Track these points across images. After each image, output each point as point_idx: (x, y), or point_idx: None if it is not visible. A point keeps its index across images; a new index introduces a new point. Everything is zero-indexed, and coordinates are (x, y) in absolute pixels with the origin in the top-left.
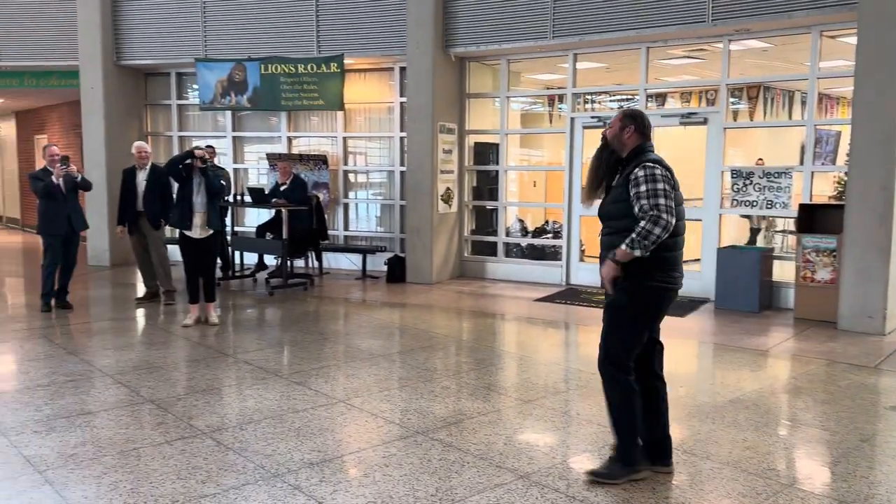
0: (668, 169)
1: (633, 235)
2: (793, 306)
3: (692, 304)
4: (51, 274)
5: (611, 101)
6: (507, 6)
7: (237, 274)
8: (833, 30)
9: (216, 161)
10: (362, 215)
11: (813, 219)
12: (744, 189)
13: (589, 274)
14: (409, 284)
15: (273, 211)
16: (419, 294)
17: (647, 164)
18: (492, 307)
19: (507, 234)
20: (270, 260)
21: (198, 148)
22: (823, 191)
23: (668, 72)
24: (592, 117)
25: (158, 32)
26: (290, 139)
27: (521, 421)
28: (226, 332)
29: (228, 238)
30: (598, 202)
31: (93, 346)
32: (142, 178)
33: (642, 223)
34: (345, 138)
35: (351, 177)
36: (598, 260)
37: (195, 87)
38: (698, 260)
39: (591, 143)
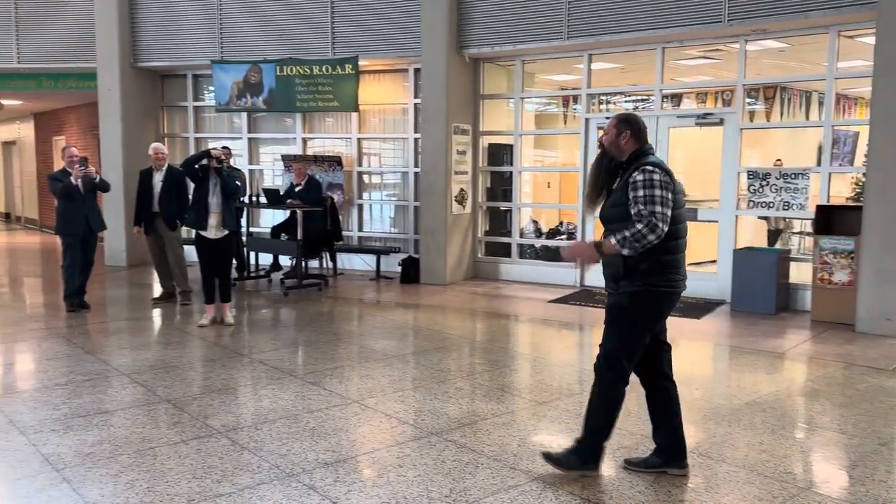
0: (667, 172)
1: (627, 234)
2: (810, 308)
3: (708, 306)
4: (72, 275)
5: (626, 101)
6: (522, 7)
7: (252, 274)
8: (851, 30)
9: (232, 162)
10: (376, 216)
11: (830, 220)
12: (760, 190)
13: None
14: (422, 285)
15: (288, 212)
16: (433, 295)
17: (646, 168)
18: (506, 308)
19: (521, 235)
20: (285, 260)
21: (214, 149)
22: (841, 192)
23: (684, 72)
24: (607, 118)
25: (175, 35)
26: (304, 140)
27: (536, 423)
28: (241, 332)
29: (244, 239)
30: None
31: (110, 345)
32: (158, 179)
33: (639, 226)
34: (359, 139)
35: (365, 178)
36: None
37: (211, 88)
38: (714, 261)
39: None
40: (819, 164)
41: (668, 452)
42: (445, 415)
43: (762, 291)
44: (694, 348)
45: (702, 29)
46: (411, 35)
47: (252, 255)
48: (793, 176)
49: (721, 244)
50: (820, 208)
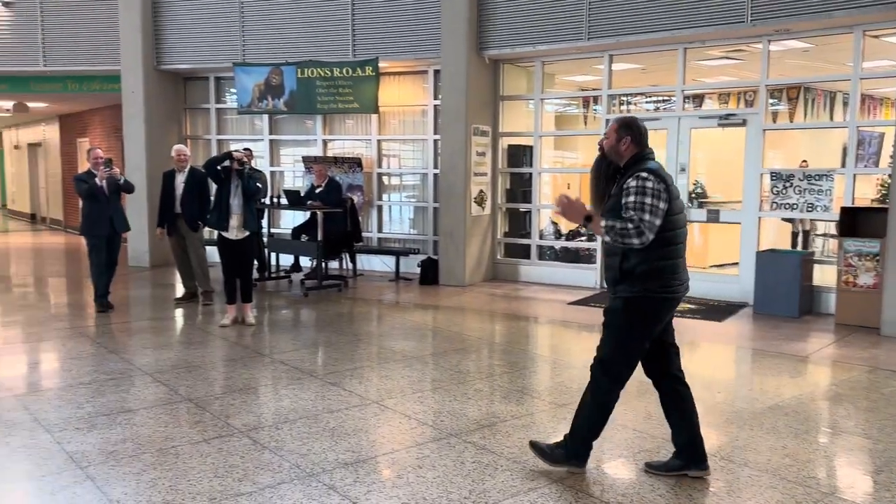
0: (662, 180)
1: (617, 225)
2: (834, 311)
3: (730, 309)
4: (101, 275)
5: (647, 102)
6: (542, 8)
7: (273, 275)
8: (876, 29)
9: (253, 164)
10: (396, 217)
11: (855, 222)
12: (784, 192)
13: None
14: (441, 286)
15: (308, 213)
16: (452, 296)
17: (642, 174)
18: (525, 310)
19: (541, 236)
20: (306, 261)
21: (236, 151)
22: (866, 194)
23: (706, 72)
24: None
25: (198, 38)
26: (325, 142)
27: (555, 425)
28: (262, 332)
29: (265, 240)
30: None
31: (133, 345)
32: (180, 180)
33: (630, 225)
34: (379, 141)
35: (385, 179)
36: None
37: (233, 91)
38: (736, 264)
39: None
40: (844, 165)
41: (687, 454)
42: (465, 416)
43: (785, 294)
44: (716, 351)
45: (725, 29)
46: (431, 37)
47: (273, 255)
48: (817, 177)
49: (744, 246)
50: (845, 210)
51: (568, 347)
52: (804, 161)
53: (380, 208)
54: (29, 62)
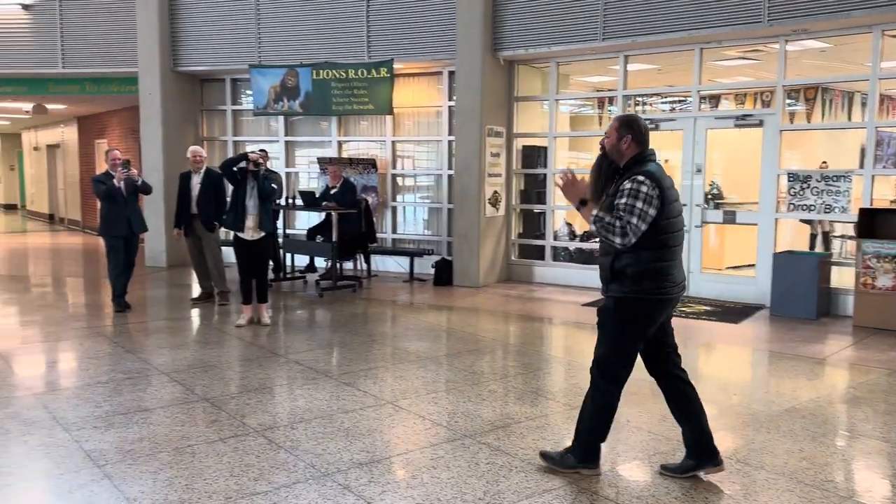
0: (659, 184)
1: (606, 219)
2: (852, 314)
3: (746, 311)
4: (119, 275)
5: (662, 102)
6: (557, 9)
7: (288, 275)
8: (895, 29)
9: (268, 165)
10: (410, 218)
11: (874, 224)
12: (801, 193)
13: None
14: (455, 288)
15: (323, 214)
16: (466, 297)
17: (638, 177)
18: (539, 311)
19: (555, 237)
20: (320, 262)
21: (252, 152)
22: (885, 195)
23: (722, 73)
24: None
25: (214, 40)
26: (340, 143)
27: (570, 427)
28: (277, 332)
29: (280, 240)
30: None
31: (150, 344)
32: (196, 181)
33: (618, 222)
34: (393, 142)
35: (399, 180)
36: None
37: (249, 92)
38: (753, 265)
39: None
40: (862, 166)
41: (698, 452)
42: (479, 417)
43: (803, 296)
44: (732, 353)
45: (742, 29)
46: (446, 38)
47: (288, 256)
48: (834, 178)
49: (760, 248)
50: (863, 211)
51: (582, 349)
52: (824, 162)
53: (394, 209)
54: (48, 64)
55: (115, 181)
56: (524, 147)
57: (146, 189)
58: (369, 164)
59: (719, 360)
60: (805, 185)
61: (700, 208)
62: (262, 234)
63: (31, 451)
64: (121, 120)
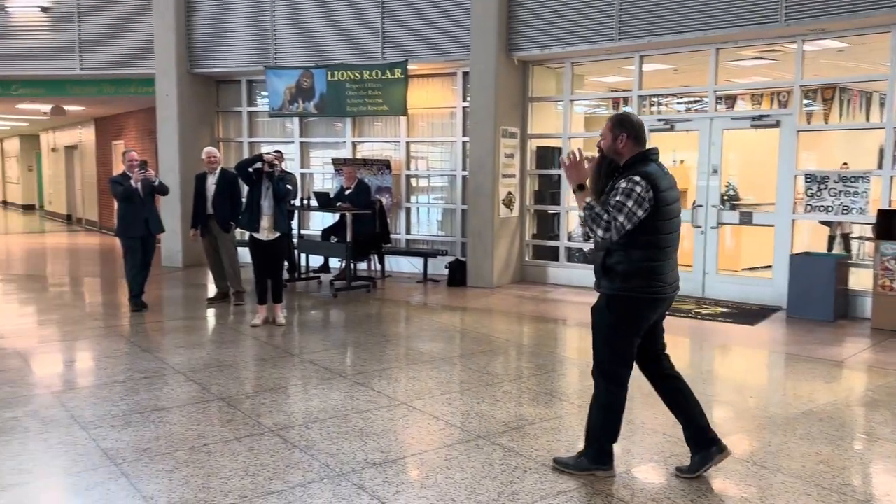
0: (654, 186)
1: (596, 209)
2: (870, 316)
3: (763, 313)
4: (136, 276)
5: (678, 103)
6: (572, 9)
7: (303, 276)
8: None
9: (284, 166)
10: (424, 219)
11: (892, 225)
12: (818, 194)
13: None
14: (469, 288)
15: (338, 215)
16: (480, 298)
17: (634, 177)
18: (553, 312)
19: (570, 238)
20: (335, 262)
21: (267, 153)
22: None
23: (738, 73)
24: (659, 120)
25: (230, 41)
26: (354, 144)
27: (583, 428)
28: (292, 332)
29: (295, 241)
30: None
31: (166, 344)
32: (211, 182)
33: (605, 216)
34: (408, 143)
35: (413, 181)
36: None
37: (265, 94)
38: (769, 267)
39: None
40: (880, 166)
41: (697, 443)
42: (493, 418)
43: (820, 298)
44: (748, 356)
45: (758, 29)
46: (460, 39)
47: (303, 256)
48: (852, 179)
49: (777, 249)
50: (882, 212)
51: None
52: (845, 163)
53: (408, 210)
54: (66, 66)
55: (132, 182)
56: (538, 148)
57: (163, 190)
58: (383, 165)
59: (735, 363)
60: (822, 186)
61: (716, 209)
62: (278, 234)
63: (50, 448)
64: (137, 121)
